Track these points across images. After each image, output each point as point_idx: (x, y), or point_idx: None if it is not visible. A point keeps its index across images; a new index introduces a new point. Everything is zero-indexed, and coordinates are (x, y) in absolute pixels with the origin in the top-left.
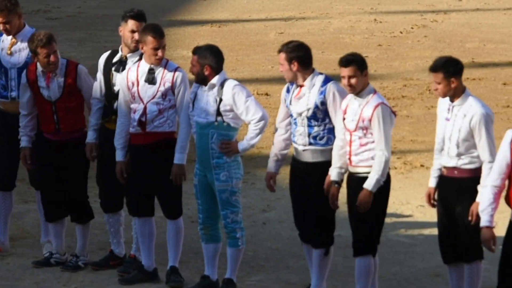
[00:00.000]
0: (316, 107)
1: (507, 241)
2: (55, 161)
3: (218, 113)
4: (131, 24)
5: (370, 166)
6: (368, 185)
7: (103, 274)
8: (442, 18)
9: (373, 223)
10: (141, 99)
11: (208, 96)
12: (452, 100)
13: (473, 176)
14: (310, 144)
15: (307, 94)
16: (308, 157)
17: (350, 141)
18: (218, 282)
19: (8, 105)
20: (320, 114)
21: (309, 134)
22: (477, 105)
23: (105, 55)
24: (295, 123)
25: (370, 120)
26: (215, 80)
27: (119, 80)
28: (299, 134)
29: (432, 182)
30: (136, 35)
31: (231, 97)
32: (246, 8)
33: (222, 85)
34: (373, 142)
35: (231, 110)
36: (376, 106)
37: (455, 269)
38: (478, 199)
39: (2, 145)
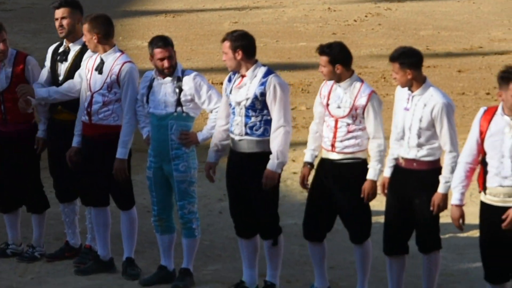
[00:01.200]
0: (255, 97)
1: (482, 223)
2: (4, 151)
3: (179, 103)
4: (55, 13)
5: (353, 153)
6: (373, 175)
7: (59, 264)
8: (396, 6)
9: (364, 209)
10: (90, 88)
11: (166, 88)
12: (411, 90)
13: (432, 168)
14: (246, 134)
15: (248, 84)
16: (243, 147)
17: (336, 128)
18: (175, 272)
19: None
20: (258, 105)
21: (245, 124)
22: (438, 95)
23: (53, 46)
24: (233, 113)
25: (364, 109)
26: (177, 71)
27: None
28: (236, 124)
29: (387, 172)
30: (58, 22)
31: (193, 87)
32: None
33: (181, 75)
34: (360, 129)
35: (192, 100)
36: (370, 95)
37: (396, 261)
38: (439, 189)
39: None
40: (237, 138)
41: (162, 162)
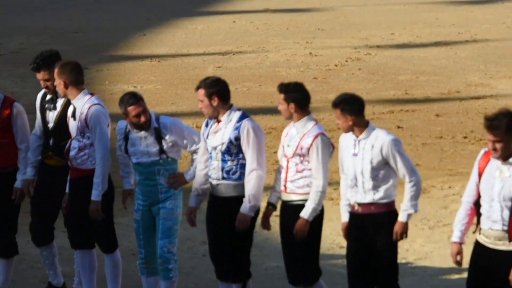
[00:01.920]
0: (230, 142)
1: (472, 260)
2: None
3: (162, 151)
4: (37, 76)
5: (305, 194)
6: (305, 214)
7: None
8: (375, 51)
9: (307, 252)
10: (70, 135)
11: (146, 140)
12: (356, 135)
13: (389, 211)
14: (223, 178)
15: (223, 129)
16: (221, 192)
17: (287, 167)
18: None
19: None
20: (234, 149)
21: (222, 168)
22: (382, 134)
23: (40, 93)
24: (211, 157)
25: (308, 149)
26: (153, 122)
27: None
28: (213, 168)
29: (345, 217)
30: (42, 83)
31: (173, 134)
32: (185, 43)
33: (157, 125)
34: (309, 169)
35: (174, 145)
36: (316, 136)
37: None
38: (399, 218)
39: None
40: (214, 182)
41: (151, 205)
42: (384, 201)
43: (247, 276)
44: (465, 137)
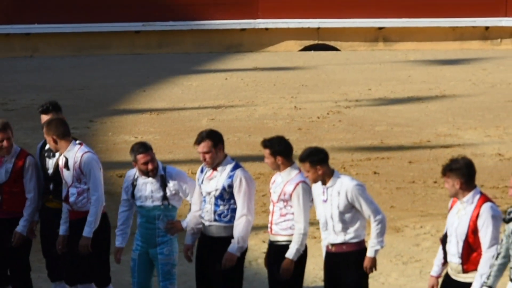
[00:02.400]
0: (224, 189)
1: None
2: None
3: (165, 198)
4: (42, 117)
5: (288, 235)
6: (289, 254)
7: None
8: (354, 105)
9: (291, 286)
10: (66, 183)
11: (152, 186)
12: (324, 183)
13: (359, 249)
14: (215, 220)
15: (218, 177)
16: (212, 232)
17: (273, 212)
18: None
19: None
20: (226, 195)
21: (214, 212)
22: (347, 180)
23: (41, 143)
24: (204, 201)
25: (290, 195)
26: (160, 170)
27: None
28: (206, 211)
29: (324, 256)
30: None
31: (177, 183)
32: (181, 97)
33: (164, 173)
34: (292, 213)
35: (176, 194)
36: (297, 184)
37: None
38: (367, 253)
39: None
40: (207, 223)
41: (148, 247)
42: (354, 240)
43: None
44: (435, 182)
